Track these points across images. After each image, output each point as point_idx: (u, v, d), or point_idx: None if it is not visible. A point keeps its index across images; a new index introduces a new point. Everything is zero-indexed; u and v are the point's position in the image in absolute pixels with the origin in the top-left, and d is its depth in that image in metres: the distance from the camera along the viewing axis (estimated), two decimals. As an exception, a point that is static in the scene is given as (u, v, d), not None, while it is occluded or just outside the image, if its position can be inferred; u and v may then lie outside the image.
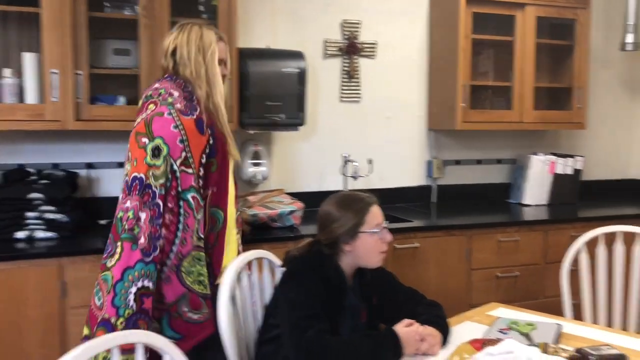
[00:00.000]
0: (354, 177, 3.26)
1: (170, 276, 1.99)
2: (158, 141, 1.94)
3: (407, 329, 1.69)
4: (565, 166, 3.68)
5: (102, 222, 2.80)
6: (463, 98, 3.32)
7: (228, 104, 2.22)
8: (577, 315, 2.45)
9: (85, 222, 2.75)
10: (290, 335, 1.69)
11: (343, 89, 3.42)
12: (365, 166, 3.32)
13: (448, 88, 3.40)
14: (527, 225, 3.20)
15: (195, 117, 2.02)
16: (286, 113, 2.92)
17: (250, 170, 3.05)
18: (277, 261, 2.07)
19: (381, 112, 3.52)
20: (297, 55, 2.99)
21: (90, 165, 2.94)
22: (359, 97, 3.46)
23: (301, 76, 2.95)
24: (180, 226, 1.95)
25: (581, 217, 3.39)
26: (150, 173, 1.92)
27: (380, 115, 3.52)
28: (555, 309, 2.46)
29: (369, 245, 1.83)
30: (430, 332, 1.71)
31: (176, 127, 1.97)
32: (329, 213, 1.87)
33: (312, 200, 2.79)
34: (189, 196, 1.98)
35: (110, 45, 2.74)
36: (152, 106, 2.04)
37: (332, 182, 3.35)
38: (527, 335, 1.80)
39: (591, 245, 2.49)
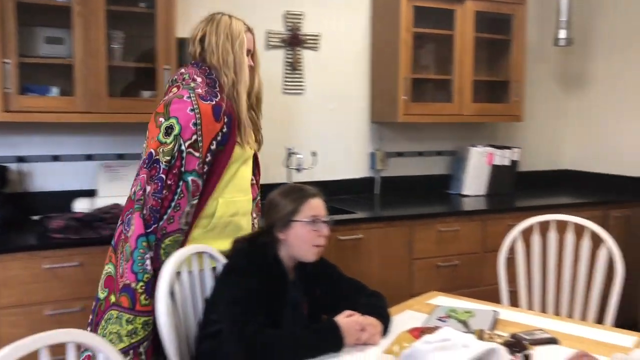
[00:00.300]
0: (298, 170, 3.25)
1: None
2: (172, 121, 1.98)
3: (347, 320, 1.70)
4: (502, 157, 3.79)
5: (35, 217, 2.69)
6: (404, 91, 3.36)
7: (261, 95, 2.23)
8: (514, 302, 2.53)
9: (17, 218, 2.64)
10: (229, 330, 1.67)
11: (286, 81, 3.40)
12: (309, 158, 3.32)
13: (390, 81, 3.43)
14: (466, 216, 3.27)
15: (214, 103, 2.04)
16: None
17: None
18: (218, 255, 2.04)
19: (325, 105, 3.52)
20: (239, 46, 2.95)
21: (21, 159, 2.81)
22: (302, 89, 3.45)
23: (243, 67, 2.90)
24: (173, 204, 1.98)
25: (518, 207, 3.50)
26: (161, 150, 1.97)
27: (324, 108, 3.52)
28: (493, 297, 2.53)
29: (301, 236, 1.83)
30: (371, 322, 1.73)
31: (192, 110, 1.99)
32: (271, 199, 1.90)
33: (254, 193, 2.76)
34: (189, 178, 1.99)
35: (41, 33, 2.63)
36: (174, 89, 2.09)
37: (276, 174, 3.32)
38: (464, 323, 1.85)
39: (527, 233, 2.57)
